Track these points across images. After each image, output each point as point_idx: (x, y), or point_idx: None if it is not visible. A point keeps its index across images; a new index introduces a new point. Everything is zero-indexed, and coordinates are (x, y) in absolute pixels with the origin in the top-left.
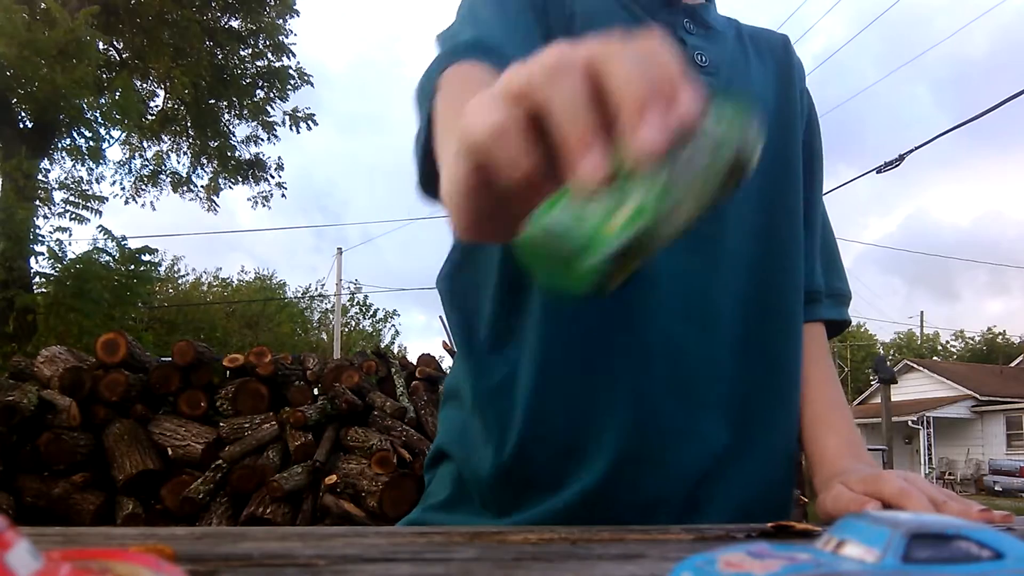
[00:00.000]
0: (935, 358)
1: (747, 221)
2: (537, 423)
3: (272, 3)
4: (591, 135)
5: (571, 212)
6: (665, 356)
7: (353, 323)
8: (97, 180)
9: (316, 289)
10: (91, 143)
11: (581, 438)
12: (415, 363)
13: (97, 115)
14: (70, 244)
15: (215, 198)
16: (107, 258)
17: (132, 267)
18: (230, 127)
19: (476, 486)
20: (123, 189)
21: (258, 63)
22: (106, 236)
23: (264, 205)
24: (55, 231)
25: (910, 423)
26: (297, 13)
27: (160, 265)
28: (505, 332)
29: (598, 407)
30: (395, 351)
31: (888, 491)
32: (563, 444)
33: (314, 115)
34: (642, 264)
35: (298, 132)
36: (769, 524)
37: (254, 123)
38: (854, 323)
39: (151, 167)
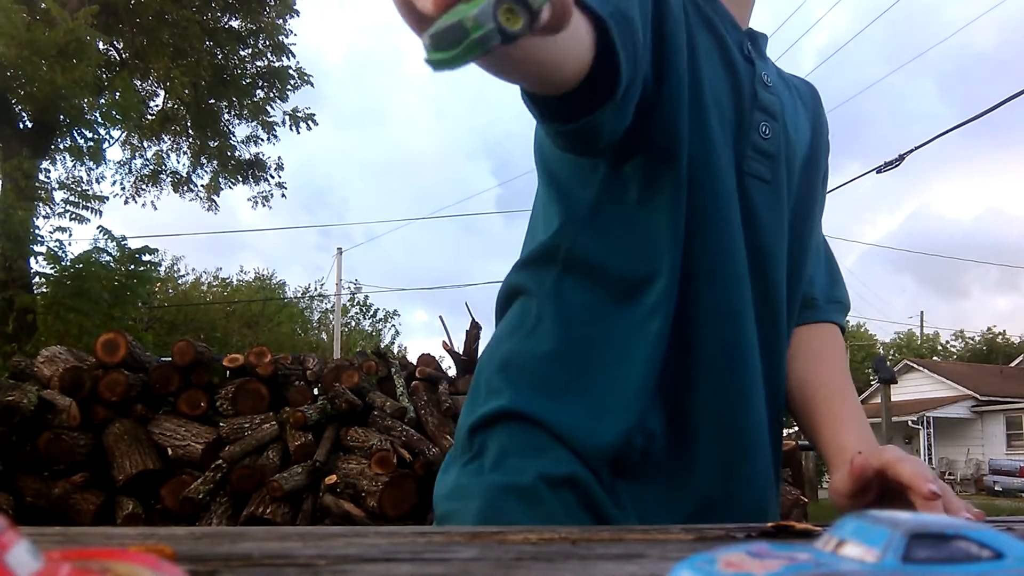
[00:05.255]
0: (935, 358)
1: (781, 254)
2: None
3: (272, 3)
4: None
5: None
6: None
7: (353, 323)
8: (97, 180)
9: (316, 289)
10: (91, 143)
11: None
12: (415, 363)
13: (97, 115)
14: (70, 244)
15: (215, 198)
16: (107, 258)
17: (132, 267)
18: (230, 127)
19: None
20: (123, 189)
21: (258, 63)
22: (106, 236)
23: (264, 205)
24: (55, 231)
25: (910, 423)
26: (297, 13)
27: (160, 265)
28: None
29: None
30: (395, 351)
31: (906, 473)
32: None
33: (314, 115)
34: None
35: (298, 132)
36: (769, 524)
37: (254, 123)
38: (854, 323)
39: (151, 167)
